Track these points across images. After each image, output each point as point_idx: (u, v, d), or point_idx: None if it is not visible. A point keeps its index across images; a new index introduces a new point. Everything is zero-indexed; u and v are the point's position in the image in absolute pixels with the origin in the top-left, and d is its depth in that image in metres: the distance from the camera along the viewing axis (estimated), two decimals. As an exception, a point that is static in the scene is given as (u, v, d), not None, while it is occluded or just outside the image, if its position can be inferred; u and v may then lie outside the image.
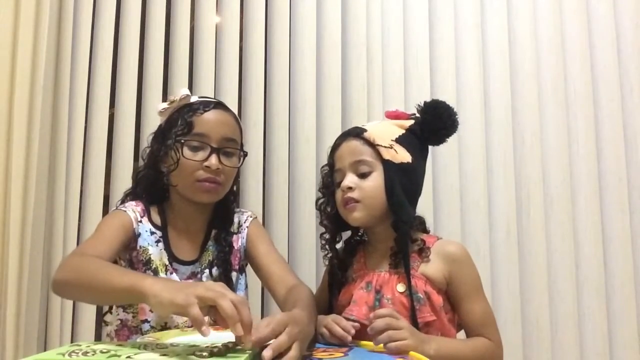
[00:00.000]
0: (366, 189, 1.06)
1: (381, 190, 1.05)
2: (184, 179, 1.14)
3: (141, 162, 1.24)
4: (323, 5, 1.80)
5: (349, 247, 1.17)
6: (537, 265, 1.75)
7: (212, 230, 1.23)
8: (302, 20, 1.79)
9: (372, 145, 1.07)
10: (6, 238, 1.53)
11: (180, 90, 1.20)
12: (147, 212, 1.18)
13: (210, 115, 1.16)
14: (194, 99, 1.20)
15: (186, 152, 1.12)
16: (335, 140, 1.15)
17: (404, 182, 1.06)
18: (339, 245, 1.17)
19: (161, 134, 1.18)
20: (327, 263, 1.19)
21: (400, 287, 1.04)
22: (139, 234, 1.14)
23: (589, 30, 1.86)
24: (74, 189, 1.66)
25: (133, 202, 1.19)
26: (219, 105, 1.20)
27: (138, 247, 1.14)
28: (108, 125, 1.70)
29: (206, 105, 1.17)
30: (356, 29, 1.80)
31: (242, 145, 1.22)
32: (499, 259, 1.75)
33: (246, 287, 1.26)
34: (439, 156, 1.76)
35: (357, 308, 1.05)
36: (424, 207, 1.71)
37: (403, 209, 1.05)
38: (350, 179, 1.07)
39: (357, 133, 1.10)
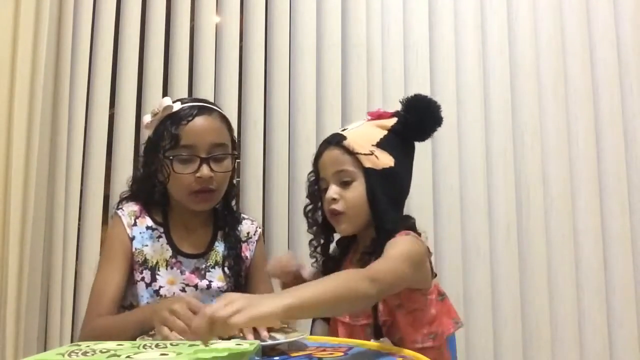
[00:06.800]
0: (349, 200, 1.05)
1: (364, 200, 1.04)
2: (179, 192, 1.16)
3: (136, 170, 1.27)
4: (323, 5, 1.80)
5: (341, 246, 1.17)
6: (537, 265, 1.75)
7: (217, 231, 1.25)
8: (302, 20, 1.78)
9: (352, 153, 1.06)
10: (6, 238, 1.52)
11: (162, 100, 1.18)
12: (146, 211, 1.20)
13: (195, 123, 1.14)
14: (177, 105, 1.18)
15: (177, 166, 1.13)
16: (318, 149, 1.13)
17: (387, 188, 1.05)
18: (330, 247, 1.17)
19: (152, 147, 1.18)
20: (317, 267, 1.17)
21: None
22: (133, 237, 1.17)
23: (589, 30, 1.86)
24: (74, 189, 1.65)
25: (132, 202, 1.22)
26: (203, 109, 1.18)
27: (133, 250, 1.16)
28: (108, 125, 1.70)
29: (190, 113, 1.15)
30: (356, 29, 1.79)
31: (233, 143, 1.22)
32: (499, 259, 1.75)
33: None
34: (439, 156, 1.75)
35: None
36: (424, 207, 1.73)
37: (386, 216, 1.04)
38: (333, 190, 1.06)
39: (337, 141, 1.08)
